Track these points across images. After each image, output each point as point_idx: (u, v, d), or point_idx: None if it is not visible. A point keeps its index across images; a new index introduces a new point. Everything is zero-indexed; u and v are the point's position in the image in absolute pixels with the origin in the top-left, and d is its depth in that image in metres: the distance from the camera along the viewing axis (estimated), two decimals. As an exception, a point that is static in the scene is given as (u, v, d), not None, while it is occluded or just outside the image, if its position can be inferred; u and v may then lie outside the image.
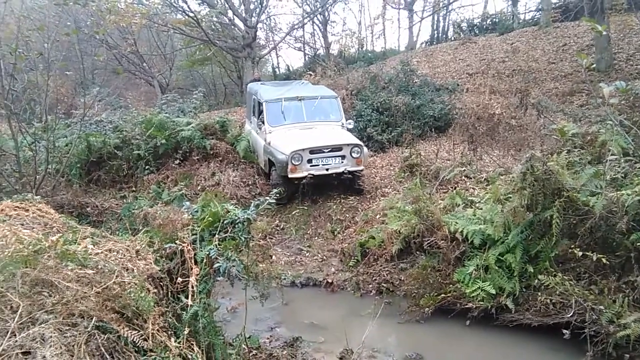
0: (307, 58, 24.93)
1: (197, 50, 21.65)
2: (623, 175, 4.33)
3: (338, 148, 7.61)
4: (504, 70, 13.38)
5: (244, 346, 3.20)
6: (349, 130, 8.56)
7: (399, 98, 10.73)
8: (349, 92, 12.01)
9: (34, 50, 6.89)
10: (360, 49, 26.01)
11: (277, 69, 26.10)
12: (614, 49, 12.18)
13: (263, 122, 8.40)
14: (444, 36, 24.58)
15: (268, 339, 4.54)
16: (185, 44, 20.63)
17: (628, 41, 12.71)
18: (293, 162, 7.36)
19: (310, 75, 14.80)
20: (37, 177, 6.96)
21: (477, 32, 20.81)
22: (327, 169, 7.54)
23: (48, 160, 7.14)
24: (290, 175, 7.38)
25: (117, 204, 7.73)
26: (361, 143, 7.86)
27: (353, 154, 7.58)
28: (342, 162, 7.60)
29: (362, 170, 7.85)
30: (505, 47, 15.39)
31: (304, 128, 8.26)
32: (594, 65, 8.12)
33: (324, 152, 7.55)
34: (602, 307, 3.62)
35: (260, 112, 8.61)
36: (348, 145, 7.62)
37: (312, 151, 7.50)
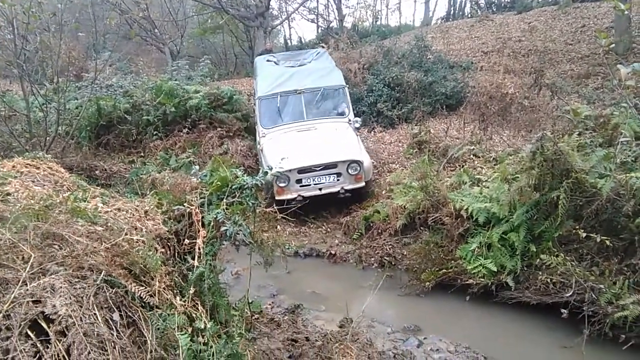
0: (320, 30, 24.58)
1: (209, 18, 21.40)
2: (634, 158, 4.28)
3: (332, 165, 6.55)
4: (520, 50, 13.15)
5: (246, 310, 3.27)
6: (356, 129, 7.45)
7: (412, 74, 10.62)
8: (361, 66, 11.86)
9: (47, 11, 6.86)
10: (374, 22, 25.60)
11: (289, 41, 25.82)
12: (634, 31, 11.89)
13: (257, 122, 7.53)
14: (461, 13, 24.10)
15: (270, 305, 4.64)
16: (197, 10, 20.38)
17: (649, 24, 12.39)
18: (278, 183, 6.38)
19: (323, 47, 14.61)
20: (47, 138, 7.05)
21: (494, 9, 20.42)
22: (320, 189, 6.55)
23: (58, 122, 7.22)
24: (277, 198, 6.35)
25: (125, 169, 7.84)
26: (360, 158, 6.62)
27: (350, 171, 6.51)
28: (338, 180, 6.56)
29: (363, 187, 6.71)
30: (523, 26, 15.07)
31: (302, 130, 7.22)
32: (613, 46, 7.97)
33: (315, 170, 6.54)
34: (602, 286, 3.65)
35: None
36: (344, 162, 6.52)
37: (301, 170, 6.50)
